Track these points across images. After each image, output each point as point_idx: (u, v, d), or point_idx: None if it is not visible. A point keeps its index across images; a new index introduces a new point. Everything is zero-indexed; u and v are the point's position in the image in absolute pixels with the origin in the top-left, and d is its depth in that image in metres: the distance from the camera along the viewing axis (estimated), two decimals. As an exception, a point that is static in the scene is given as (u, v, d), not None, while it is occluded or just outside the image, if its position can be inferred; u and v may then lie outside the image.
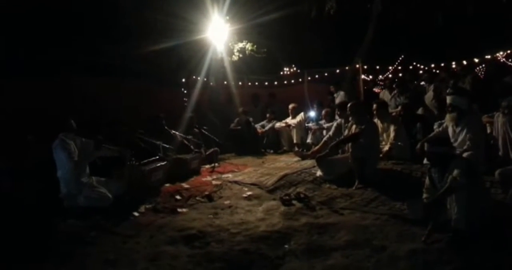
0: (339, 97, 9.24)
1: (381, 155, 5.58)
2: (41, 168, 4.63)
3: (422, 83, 9.03)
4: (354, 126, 5.42)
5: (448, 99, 4.96)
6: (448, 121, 5.01)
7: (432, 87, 8.37)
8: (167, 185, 5.37)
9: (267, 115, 8.79)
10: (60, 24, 6.98)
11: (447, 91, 7.35)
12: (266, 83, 10.97)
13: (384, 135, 5.90)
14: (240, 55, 8.64)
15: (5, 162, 4.75)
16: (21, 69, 6.18)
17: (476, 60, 10.59)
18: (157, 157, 5.35)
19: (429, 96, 8.06)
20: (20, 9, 6.42)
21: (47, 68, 6.58)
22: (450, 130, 5.01)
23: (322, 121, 7.87)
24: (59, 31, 6.97)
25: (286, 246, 3.54)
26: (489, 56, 10.64)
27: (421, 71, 11.57)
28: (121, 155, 4.72)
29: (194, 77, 9.41)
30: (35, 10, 6.65)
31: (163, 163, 5.27)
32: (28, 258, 3.36)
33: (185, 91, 8.98)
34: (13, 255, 3.41)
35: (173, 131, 6.53)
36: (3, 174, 4.65)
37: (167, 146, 5.74)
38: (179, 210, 4.56)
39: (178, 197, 4.98)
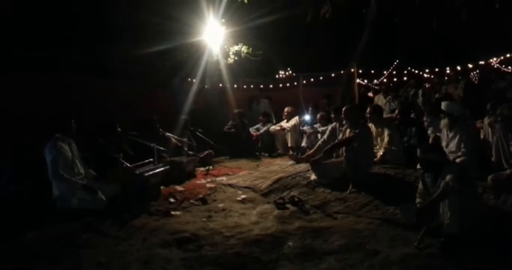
0: (262, 104, 9.42)
1: (375, 159, 5.60)
2: (36, 168, 4.60)
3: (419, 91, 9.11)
4: (348, 130, 5.44)
5: (442, 105, 5.03)
6: (442, 126, 5.09)
7: (420, 92, 8.48)
8: (161, 187, 5.35)
9: (260, 118, 8.81)
10: (57, 24, 6.98)
11: (436, 96, 7.48)
12: (262, 86, 10.99)
13: (378, 139, 5.92)
14: (236, 58, 8.65)
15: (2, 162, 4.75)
16: (17, 66, 6.18)
17: (470, 65, 10.69)
18: (150, 160, 5.33)
19: (419, 101, 8.16)
20: (18, 8, 6.41)
21: (42, 67, 6.59)
22: (444, 135, 5.09)
23: (317, 125, 7.89)
24: (56, 31, 6.98)
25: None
26: (483, 62, 10.75)
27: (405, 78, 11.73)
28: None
29: (189, 79, 9.43)
30: (33, 9, 6.64)
31: (163, 168, 5.24)
32: (20, 260, 3.34)
33: (180, 93, 8.98)
34: (5, 257, 3.39)
35: (167, 134, 6.52)
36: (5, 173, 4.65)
37: (161, 148, 5.72)
38: (172, 212, 4.53)
39: (172, 200, 4.96)
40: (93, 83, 7.34)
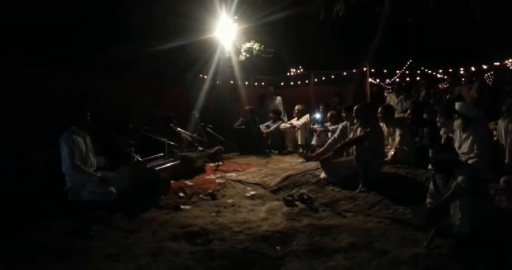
0: (276, 102, 9.38)
1: (386, 159, 5.57)
2: (48, 160, 4.66)
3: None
4: (359, 129, 5.41)
5: (456, 106, 4.99)
6: (455, 127, 5.04)
7: (432, 92, 8.41)
8: (171, 181, 5.38)
9: (270, 115, 8.81)
10: (70, 20, 7.04)
11: (447, 97, 7.40)
12: (274, 83, 10.97)
13: (390, 139, 5.89)
14: (247, 55, 8.65)
15: (15, 154, 4.80)
16: (32, 60, 6.27)
17: (485, 66, 10.54)
18: (161, 154, 5.37)
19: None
20: (33, 4, 6.49)
21: (57, 62, 6.66)
22: (457, 136, 5.04)
23: (327, 124, 7.86)
24: (70, 27, 7.04)
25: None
26: (498, 63, 10.59)
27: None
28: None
29: (201, 76, 9.46)
30: (48, 5, 6.71)
31: (173, 163, 5.27)
32: (31, 251, 3.38)
33: (192, 90, 9.01)
34: (15, 248, 3.44)
35: (179, 129, 6.56)
36: (12, 168, 4.71)
37: (172, 143, 5.76)
38: (182, 207, 4.57)
39: (181, 194, 4.99)
40: (106, 79, 7.40)
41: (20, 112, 5.65)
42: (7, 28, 6.17)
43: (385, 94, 11.75)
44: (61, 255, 3.29)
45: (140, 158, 4.91)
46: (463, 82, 9.09)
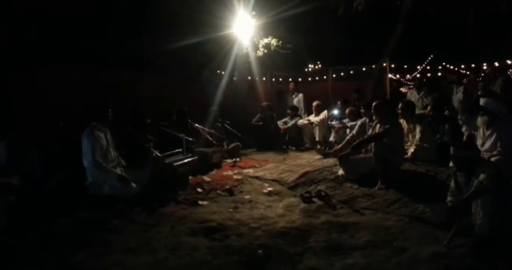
0: (297, 98, 9.27)
1: (406, 156, 5.48)
2: (69, 155, 4.75)
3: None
4: (378, 125, 5.34)
5: (481, 102, 4.85)
6: (479, 124, 4.91)
7: (461, 88, 8.19)
8: (189, 177, 5.43)
9: (288, 111, 8.77)
10: (89, 16, 7.13)
11: (479, 93, 7.22)
12: (290, 79, 10.93)
13: (410, 136, 5.80)
14: (265, 51, 8.62)
15: (36, 150, 4.90)
16: (51, 57, 6.38)
17: (509, 62, 10.23)
18: (179, 150, 5.40)
19: (458, 97, 7.88)
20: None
21: (75, 58, 6.77)
22: (480, 133, 4.91)
23: (346, 120, 7.79)
24: (88, 23, 7.14)
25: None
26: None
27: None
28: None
29: (218, 71, 9.49)
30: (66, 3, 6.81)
31: (191, 159, 5.31)
32: (51, 243, 3.47)
33: (209, 85, 9.05)
34: (36, 240, 3.53)
35: (196, 125, 6.59)
36: (34, 163, 4.82)
37: (190, 139, 5.80)
38: (200, 202, 4.61)
39: (199, 190, 5.03)
40: (125, 75, 7.50)
41: (40, 109, 5.77)
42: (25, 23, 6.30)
43: (404, 90, 11.54)
44: (82, 247, 3.37)
45: (159, 153, 4.96)
46: (479, 79, 8.84)
